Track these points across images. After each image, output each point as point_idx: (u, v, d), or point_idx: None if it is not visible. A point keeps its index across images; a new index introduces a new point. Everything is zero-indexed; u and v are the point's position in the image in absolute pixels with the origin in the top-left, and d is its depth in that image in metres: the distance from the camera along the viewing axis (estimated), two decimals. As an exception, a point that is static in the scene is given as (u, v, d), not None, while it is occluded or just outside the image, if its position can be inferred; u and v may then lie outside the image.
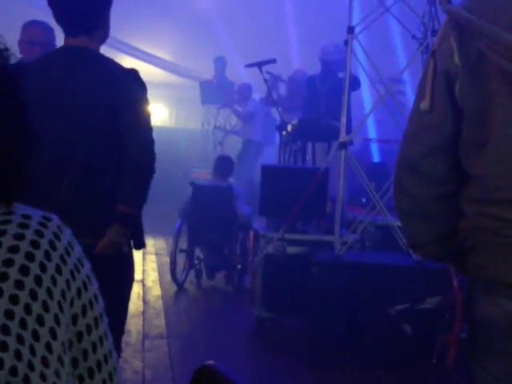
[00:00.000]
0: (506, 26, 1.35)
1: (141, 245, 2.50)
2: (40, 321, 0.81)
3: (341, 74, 5.62)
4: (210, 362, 0.90)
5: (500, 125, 1.40)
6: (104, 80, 2.35)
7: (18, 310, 0.80)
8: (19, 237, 0.84)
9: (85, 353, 0.89)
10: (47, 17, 3.06)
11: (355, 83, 6.30)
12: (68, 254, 0.88)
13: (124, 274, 2.44)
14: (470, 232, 1.49)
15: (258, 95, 8.69)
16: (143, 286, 5.72)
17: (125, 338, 4.26)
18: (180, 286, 5.86)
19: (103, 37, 2.50)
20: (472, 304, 1.50)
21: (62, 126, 2.33)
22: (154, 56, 11.30)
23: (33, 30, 3.91)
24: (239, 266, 5.93)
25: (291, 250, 4.72)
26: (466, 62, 1.42)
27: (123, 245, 2.35)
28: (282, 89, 8.13)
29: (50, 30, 3.87)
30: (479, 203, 1.46)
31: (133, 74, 2.39)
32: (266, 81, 6.12)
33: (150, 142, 2.36)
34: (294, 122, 5.61)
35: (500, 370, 1.45)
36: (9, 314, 0.79)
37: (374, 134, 8.30)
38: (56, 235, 0.87)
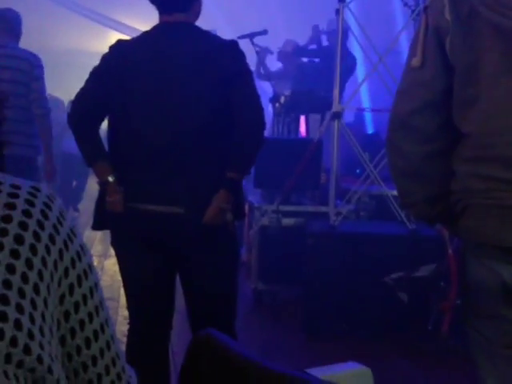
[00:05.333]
0: None
1: (243, 214, 2.56)
2: (36, 290, 0.81)
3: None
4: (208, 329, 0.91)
5: (490, 81, 1.39)
6: (209, 52, 2.37)
7: (16, 279, 0.80)
8: (10, 206, 0.83)
9: (81, 323, 0.89)
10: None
11: (353, 65, 6.32)
12: (60, 223, 0.87)
13: (230, 247, 2.48)
14: (461, 194, 1.48)
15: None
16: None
17: (123, 313, 4.28)
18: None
19: (197, 11, 2.49)
20: (465, 267, 1.51)
21: (173, 99, 2.35)
22: (141, 31, 11.22)
23: None
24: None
25: (286, 221, 4.73)
26: (457, 17, 1.41)
27: (228, 212, 2.37)
28: (270, 61, 7.98)
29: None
30: (470, 163, 1.45)
31: (235, 44, 2.42)
32: (257, 53, 6.09)
33: (262, 111, 2.39)
34: (287, 93, 5.59)
35: (492, 332, 1.46)
36: (7, 284, 0.79)
37: (368, 104, 8.28)
38: (46, 205, 0.86)
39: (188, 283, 2.49)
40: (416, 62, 1.48)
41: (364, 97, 8.28)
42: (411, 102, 1.51)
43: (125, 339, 2.62)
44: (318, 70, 6.47)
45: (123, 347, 3.48)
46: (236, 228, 2.53)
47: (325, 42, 6.83)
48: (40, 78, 4.42)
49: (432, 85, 1.48)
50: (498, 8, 1.32)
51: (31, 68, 4.36)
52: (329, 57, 6.18)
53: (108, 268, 5.58)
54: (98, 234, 6.39)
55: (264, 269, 4.75)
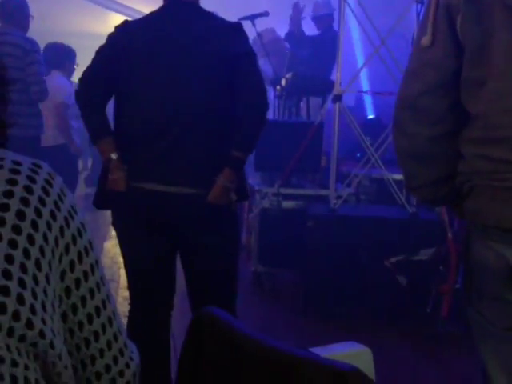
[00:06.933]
0: None
1: (246, 195, 2.57)
2: (38, 265, 0.82)
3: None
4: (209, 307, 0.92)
5: (501, 61, 1.36)
6: (214, 32, 2.40)
7: (18, 254, 0.80)
8: (12, 182, 0.84)
9: (83, 299, 0.90)
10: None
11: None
12: (61, 200, 0.88)
13: (232, 227, 2.49)
14: (468, 175, 1.47)
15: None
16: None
17: (122, 294, 4.30)
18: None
19: None
20: (468, 248, 1.50)
21: (177, 78, 2.36)
22: (141, 12, 11.16)
23: None
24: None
25: (286, 204, 4.74)
26: None
27: (232, 191, 2.39)
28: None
29: None
30: (478, 144, 1.43)
31: (239, 26, 2.45)
32: (258, 35, 6.03)
33: (265, 92, 2.43)
34: (288, 76, 5.56)
35: (494, 314, 1.46)
36: (9, 259, 0.79)
37: (369, 87, 8.24)
38: (47, 181, 0.87)
39: (189, 263, 2.50)
40: (426, 40, 1.45)
41: (364, 80, 8.24)
42: (420, 82, 1.48)
43: (125, 320, 2.63)
44: (305, 61, 6.41)
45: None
46: (237, 210, 2.54)
47: (312, 30, 6.72)
48: (35, 63, 4.54)
49: (442, 65, 1.45)
50: None
51: (24, 54, 4.55)
52: (320, 46, 6.14)
53: (108, 250, 5.60)
54: (98, 215, 6.40)
55: (264, 251, 4.76)
